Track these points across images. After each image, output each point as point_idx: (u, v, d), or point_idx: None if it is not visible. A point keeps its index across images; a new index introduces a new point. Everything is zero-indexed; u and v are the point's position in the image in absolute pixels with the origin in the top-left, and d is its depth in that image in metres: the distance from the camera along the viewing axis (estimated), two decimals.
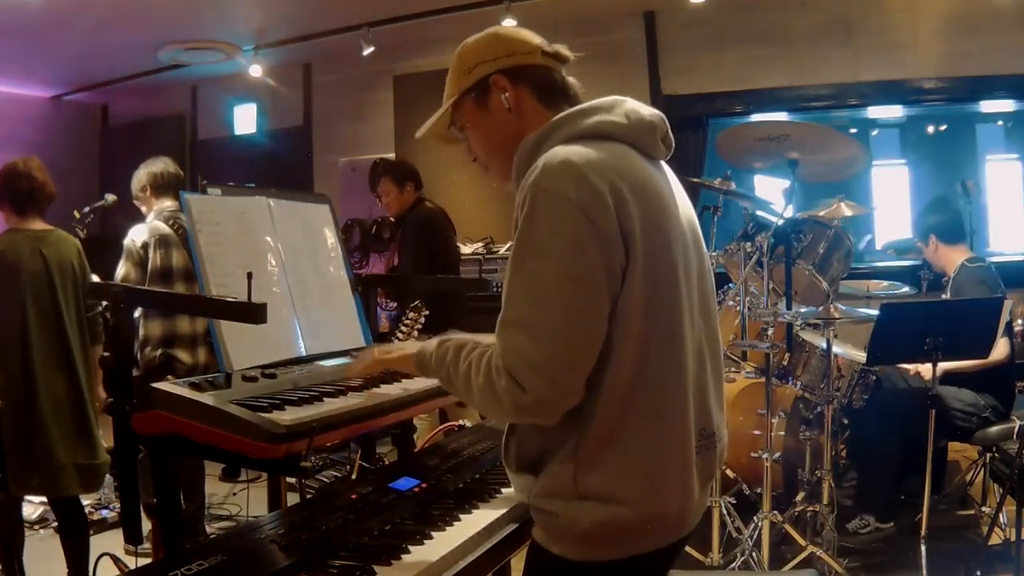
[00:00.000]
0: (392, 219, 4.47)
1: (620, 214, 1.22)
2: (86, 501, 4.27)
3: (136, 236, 3.44)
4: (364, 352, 1.53)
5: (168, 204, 3.57)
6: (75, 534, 3.08)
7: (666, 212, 1.32)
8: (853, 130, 5.87)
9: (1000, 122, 6.19)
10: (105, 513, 4.13)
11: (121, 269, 3.42)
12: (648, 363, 1.25)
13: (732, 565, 3.06)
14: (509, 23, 5.28)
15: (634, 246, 1.23)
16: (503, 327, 1.23)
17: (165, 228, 3.46)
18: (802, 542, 3.08)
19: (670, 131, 1.41)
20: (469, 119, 1.45)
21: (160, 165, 3.62)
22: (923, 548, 3.00)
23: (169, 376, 3.18)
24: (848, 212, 4.03)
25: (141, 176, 3.61)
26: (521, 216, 1.23)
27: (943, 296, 3.69)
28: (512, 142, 1.38)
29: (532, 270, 1.21)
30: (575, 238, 1.19)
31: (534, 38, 1.45)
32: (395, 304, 4.46)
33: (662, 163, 1.43)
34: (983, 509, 3.59)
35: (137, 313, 3.38)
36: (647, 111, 1.38)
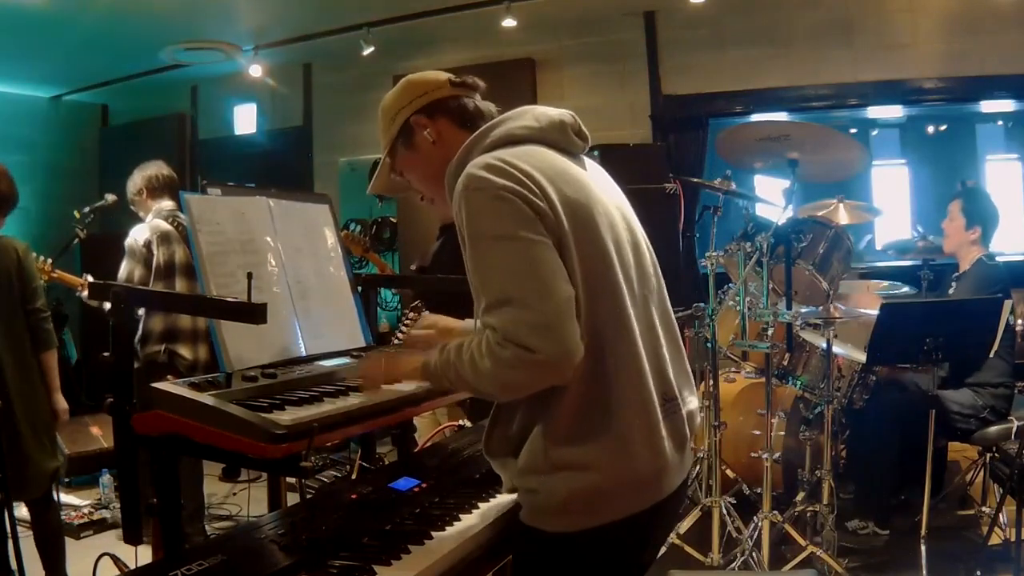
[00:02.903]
0: (439, 225, 4.50)
1: (545, 198, 1.32)
2: (86, 500, 4.29)
3: (138, 235, 3.46)
4: (373, 361, 1.58)
5: (165, 204, 3.58)
6: (43, 530, 3.07)
7: (587, 194, 1.40)
8: (853, 130, 5.87)
9: (1000, 122, 6.18)
10: (105, 513, 4.13)
11: (124, 269, 3.43)
12: (597, 335, 1.32)
13: (732, 565, 3.06)
14: (509, 23, 5.29)
15: (562, 228, 1.32)
16: (489, 313, 1.28)
17: (166, 225, 3.47)
18: (802, 542, 3.08)
19: (583, 127, 1.52)
20: (405, 163, 1.57)
21: (154, 168, 3.64)
22: (923, 548, 3.00)
23: (169, 376, 3.19)
24: (850, 219, 4.03)
25: (136, 180, 3.63)
26: (462, 223, 1.33)
27: (952, 285, 3.67)
28: (443, 170, 1.48)
29: (493, 255, 1.29)
30: (516, 213, 1.29)
31: (442, 75, 1.56)
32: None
33: (582, 157, 1.53)
34: (983, 509, 3.59)
35: (140, 310, 3.39)
36: (556, 112, 1.49)
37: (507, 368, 1.26)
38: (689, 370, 1.54)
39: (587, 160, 1.54)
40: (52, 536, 3.10)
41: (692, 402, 1.51)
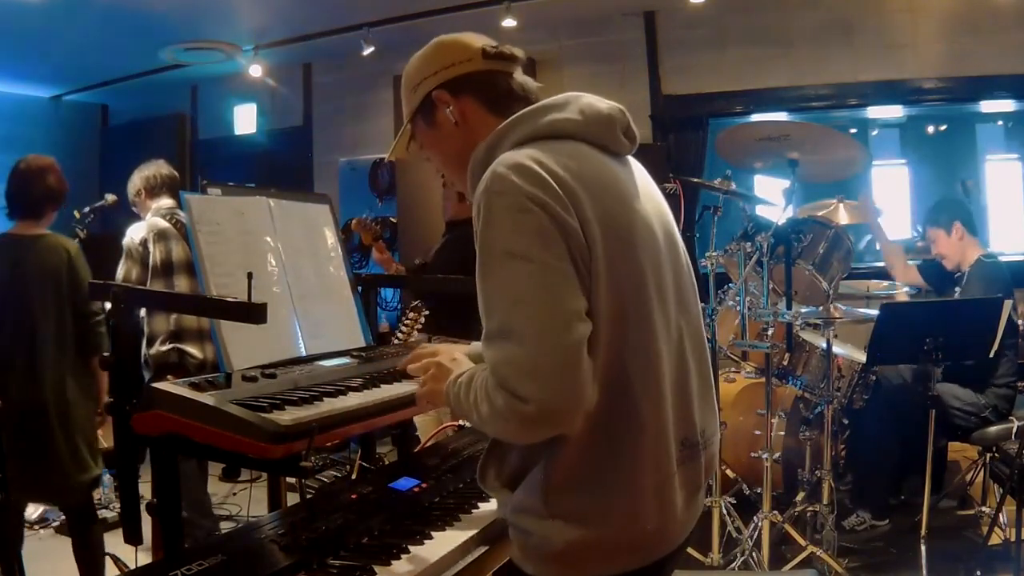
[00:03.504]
0: (445, 222, 4.42)
1: (577, 213, 1.15)
2: None
3: (134, 234, 3.42)
4: (432, 375, 1.37)
5: (165, 203, 3.56)
6: (85, 545, 2.94)
7: (629, 211, 1.24)
8: (853, 130, 5.86)
9: (1000, 122, 6.17)
10: (105, 513, 4.12)
11: (121, 269, 3.39)
12: (619, 373, 1.17)
13: (732, 565, 3.06)
14: (509, 23, 5.28)
15: (595, 247, 1.16)
16: (488, 342, 1.15)
17: (163, 223, 3.43)
18: (802, 542, 3.08)
19: (632, 124, 1.34)
20: (424, 138, 1.41)
21: (152, 168, 3.62)
22: (923, 548, 3.01)
23: (170, 376, 3.17)
24: (850, 219, 4.03)
25: (135, 180, 3.62)
26: (479, 226, 1.17)
27: (956, 290, 3.67)
28: (466, 156, 1.31)
29: (503, 274, 1.14)
30: (538, 231, 1.13)
31: (475, 41, 1.36)
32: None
33: (628, 158, 1.36)
34: (983, 509, 3.59)
35: (142, 312, 3.36)
36: (605, 105, 1.31)
37: (499, 418, 1.12)
38: (715, 402, 1.40)
39: (633, 162, 1.37)
40: (90, 552, 2.94)
41: (714, 442, 1.37)
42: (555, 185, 1.15)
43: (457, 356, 1.36)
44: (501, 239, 1.14)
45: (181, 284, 3.34)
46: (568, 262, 1.13)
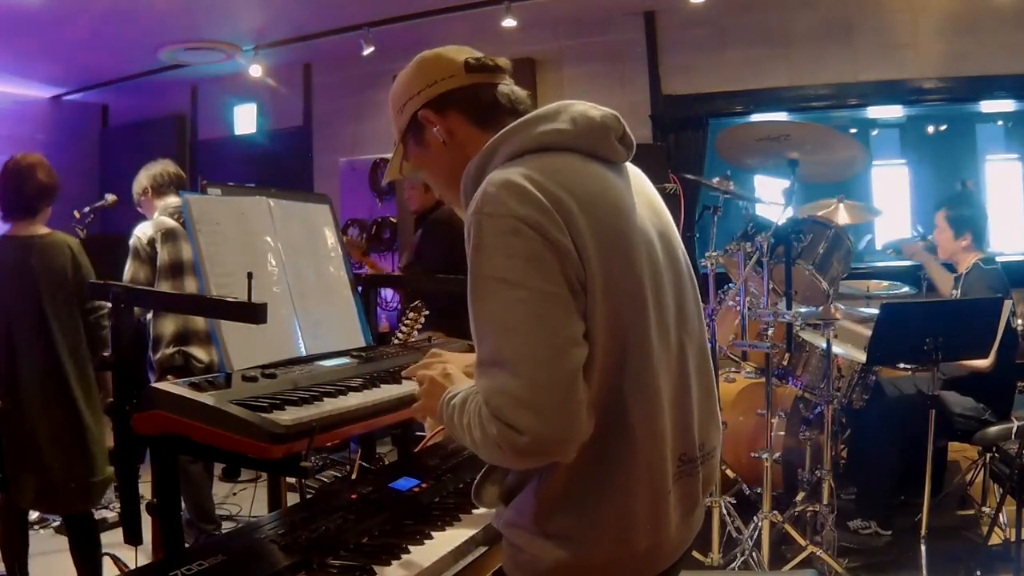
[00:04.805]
0: (413, 214, 4.42)
1: (571, 231, 1.12)
2: None
3: (142, 233, 3.38)
4: (429, 365, 1.39)
5: (172, 201, 3.52)
6: (84, 549, 2.90)
7: (626, 225, 1.20)
8: (853, 130, 5.86)
9: (1000, 122, 6.18)
10: (105, 513, 4.12)
11: (129, 269, 3.34)
12: (614, 393, 1.15)
13: (732, 565, 3.06)
14: (509, 23, 5.28)
15: (590, 266, 1.12)
16: (481, 370, 1.13)
17: (171, 222, 3.39)
18: (802, 542, 3.08)
19: (628, 131, 1.29)
20: (416, 158, 1.39)
21: (159, 167, 3.60)
22: (923, 548, 3.00)
23: (169, 377, 3.15)
24: (850, 219, 4.03)
25: (141, 179, 3.59)
26: (470, 248, 1.13)
27: (953, 292, 3.68)
28: (458, 174, 1.29)
29: (495, 301, 1.11)
30: (532, 255, 1.10)
31: (457, 55, 1.33)
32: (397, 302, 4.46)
33: (626, 165, 1.31)
34: (983, 509, 3.59)
35: (149, 314, 3.35)
36: (598, 112, 1.26)
37: (493, 447, 1.10)
38: (718, 412, 1.38)
39: (630, 169, 1.32)
40: (86, 551, 2.90)
41: (715, 454, 1.35)
42: (547, 203, 1.12)
43: (450, 371, 1.34)
44: (492, 264, 1.11)
45: (190, 285, 3.30)
46: (563, 286, 1.10)
